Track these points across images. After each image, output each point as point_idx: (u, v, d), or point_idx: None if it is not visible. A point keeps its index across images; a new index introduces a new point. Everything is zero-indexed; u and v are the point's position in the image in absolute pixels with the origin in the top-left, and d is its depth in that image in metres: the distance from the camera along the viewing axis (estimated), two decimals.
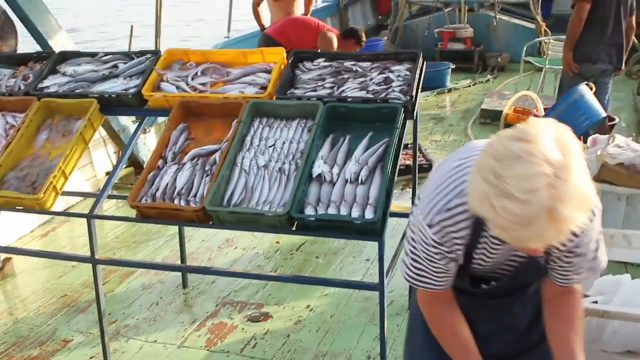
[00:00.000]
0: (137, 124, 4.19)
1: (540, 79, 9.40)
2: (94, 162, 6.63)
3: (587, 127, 5.53)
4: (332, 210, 3.16)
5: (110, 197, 5.05)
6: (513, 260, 2.04)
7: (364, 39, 7.01)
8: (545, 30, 11.28)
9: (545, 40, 10.52)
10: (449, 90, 10.17)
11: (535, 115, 6.57)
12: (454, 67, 10.39)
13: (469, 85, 10.43)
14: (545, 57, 9.68)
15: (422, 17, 12.36)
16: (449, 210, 1.88)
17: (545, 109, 6.95)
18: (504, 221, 1.57)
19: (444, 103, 9.59)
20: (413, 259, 2.04)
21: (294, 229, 3.24)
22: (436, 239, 1.93)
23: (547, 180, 1.51)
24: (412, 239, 2.02)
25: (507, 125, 7.60)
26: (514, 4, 12.12)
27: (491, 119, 8.21)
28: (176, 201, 3.39)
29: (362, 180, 3.24)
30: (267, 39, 6.85)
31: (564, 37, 9.58)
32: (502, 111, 7.79)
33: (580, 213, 1.55)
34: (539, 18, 11.53)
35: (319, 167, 3.32)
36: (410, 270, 2.06)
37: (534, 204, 1.52)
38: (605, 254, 2.02)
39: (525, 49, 9.63)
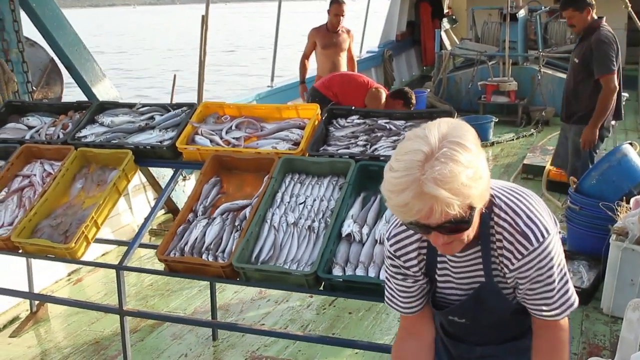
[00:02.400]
0: (173, 173, 4.22)
1: None
2: (132, 208, 6.69)
3: (630, 188, 5.38)
4: (360, 272, 3.12)
5: (143, 245, 5.05)
6: (478, 281, 2.07)
7: (413, 101, 6.89)
8: None
9: None
10: (492, 144, 10.08)
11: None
12: (497, 120, 10.30)
13: (512, 139, 10.32)
14: None
15: (465, 69, 12.33)
16: (403, 225, 2.02)
17: None
18: (385, 191, 1.74)
19: (486, 157, 9.49)
20: (385, 279, 2.21)
21: (321, 288, 3.20)
22: (392, 251, 2.11)
23: (422, 157, 1.68)
24: (384, 258, 2.20)
25: (550, 181, 7.49)
26: (559, 58, 12.01)
27: (534, 174, 8.07)
28: (204, 256, 3.38)
29: None
30: (315, 93, 6.86)
31: None
32: (544, 167, 7.68)
33: (447, 193, 1.66)
34: None
35: (349, 226, 3.29)
36: (386, 290, 2.22)
37: (405, 174, 1.68)
38: (574, 293, 2.04)
39: None
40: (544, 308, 2.01)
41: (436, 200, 1.67)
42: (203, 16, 7.13)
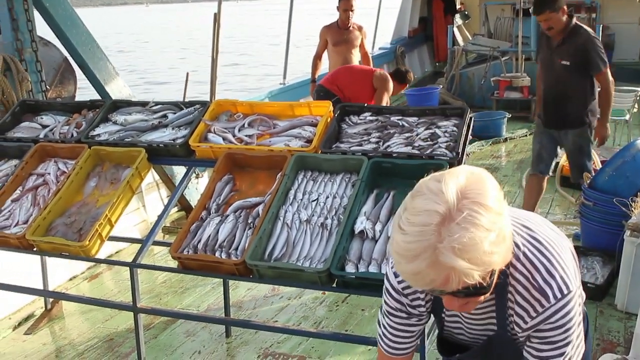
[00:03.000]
0: (186, 171, 4.24)
1: None
2: (146, 206, 6.71)
3: None
4: (373, 269, 3.12)
5: (157, 243, 5.08)
6: (490, 329, 1.94)
7: (409, 77, 7.31)
8: None
9: None
10: (505, 140, 10.04)
11: (592, 169, 6.40)
12: (510, 116, 10.26)
13: (525, 135, 10.26)
14: None
15: (478, 65, 12.30)
16: None
17: (602, 162, 6.79)
18: (394, 253, 1.56)
19: (499, 153, 9.47)
20: (381, 314, 2.07)
21: (334, 285, 3.20)
22: (400, 288, 1.95)
23: (438, 219, 1.49)
24: (383, 292, 2.04)
25: (564, 177, 7.45)
26: None
27: None
28: (217, 254, 3.39)
29: None
30: (319, 89, 6.96)
31: (625, 87, 9.48)
32: (558, 163, 7.64)
33: (467, 263, 1.48)
34: None
35: (362, 223, 3.29)
36: (378, 327, 2.09)
37: (418, 239, 1.50)
38: (581, 353, 1.85)
39: None
40: None
41: (453, 270, 1.49)
42: (215, 14, 7.15)
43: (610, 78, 5.67)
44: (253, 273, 3.29)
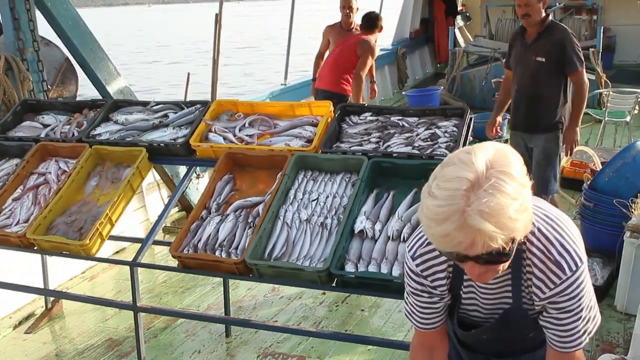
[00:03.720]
0: (187, 171, 4.25)
1: (600, 131, 9.20)
2: (147, 206, 6.72)
3: None
4: (372, 268, 3.13)
5: (157, 242, 5.08)
6: (505, 303, 2.03)
7: (379, 23, 7.33)
8: (605, 82, 11.08)
9: (606, 92, 10.34)
10: (506, 141, 10.02)
11: (592, 170, 6.41)
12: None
13: None
14: (604, 109, 9.49)
15: (479, 66, 12.29)
16: (430, 244, 1.94)
17: (602, 164, 6.80)
18: (424, 218, 1.66)
19: None
20: (406, 293, 2.14)
21: (333, 285, 3.21)
22: (418, 271, 2.03)
23: (467, 185, 1.59)
24: (405, 275, 2.12)
25: (565, 179, 7.46)
26: None
27: None
28: (217, 253, 3.40)
29: (404, 238, 3.19)
30: (318, 94, 7.12)
31: (626, 88, 9.48)
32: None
33: (493, 227, 1.58)
34: (599, 69, 11.34)
35: (361, 222, 3.30)
36: (406, 305, 2.17)
37: (448, 203, 1.60)
38: (598, 314, 2.03)
39: None
40: (568, 339, 1.96)
41: (480, 233, 1.59)
42: (217, 14, 7.16)
43: (586, 80, 5.34)
44: (253, 272, 3.30)
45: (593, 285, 4.78)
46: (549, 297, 1.89)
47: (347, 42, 7.23)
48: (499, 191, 1.59)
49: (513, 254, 1.72)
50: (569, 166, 7.47)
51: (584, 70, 5.32)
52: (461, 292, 2.06)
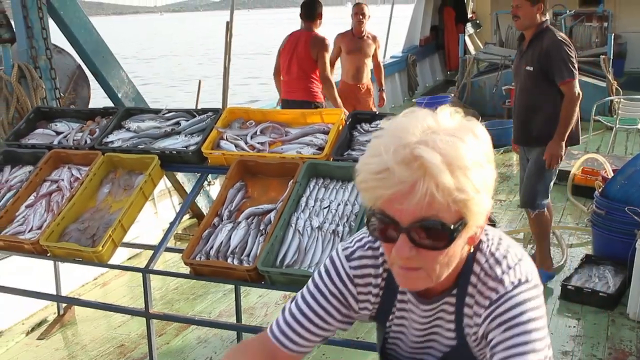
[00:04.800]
0: (198, 178, 4.26)
1: (611, 139, 9.19)
2: (158, 213, 6.74)
3: None
4: None
5: (169, 249, 5.10)
6: (440, 342, 1.68)
7: (317, 10, 7.18)
8: (616, 89, 11.07)
9: (617, 100, 10.32)
10: None
11: (604, 178, 6.39)
12: None
13: None
14: (615, 116, 9.47)
15: (489, 74, 12.30)
16: (373, 248, 1.68)
17: (614, 171, 6.79)
18: (363, 158, 1.39)
19: (510, 162, 9.45)
20: (302, 295, 1.75)
21: None
22: (350, 274, 1.69)
23: (425, 126, 1.36)
24: (313, 278, 1.75)
25: (575, 186, 7.44)
26: (585, 62, 11.94)
27: (558, 179, 7.89)
28: (229, 260, 3.41)
29: None
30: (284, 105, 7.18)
31: (637, 95, 9.46)
32: (570, 171, 7.63)
33: (443, 167, 1.29)
34: (610, 76, 11.32)
35: None
36: (293, 306, 1.75)
37: (397, 135, 1.35)
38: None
39: (595, 107, 9.43)
40: None
41: (425, 172, 1.29)
42: (228, 22, 7.19)
43: (576, 91, 4.92)
44: (265, 279, 3.31)
45: (605, 293, 4.79)
46: (484, 320, 1.52)
47: (298, 47, 7.15)
48: (459, 138, 1.34)
49: (455, 245, 1.41)
50: (581, 173, 7.46)
51: (575, 80, 4.94)
52: (388, 322, 1.73)
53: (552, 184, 5.26)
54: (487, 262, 1.54)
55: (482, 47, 14.33)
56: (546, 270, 5.25)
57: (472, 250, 1.53)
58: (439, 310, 1.62)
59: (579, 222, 6.77)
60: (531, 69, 5.05)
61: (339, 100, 7.12)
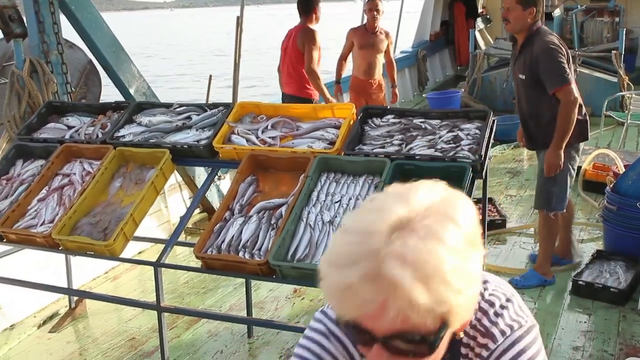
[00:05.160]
0: (209, 173, 4.28)
1: (622, 134, 9.14)
2: (169, 207, 6.76)
3: None
4: None
5: (180, 244, 5.12)
6: None
7: (314, 5, 7.23)
8: (628, 84, 11.01)
9: (628, 95, 10.26)
10: None
11: (615, 173, 6.37)
12: None
13: None
14: (627, 111, 9.42)
15: (500, 69, 12.25)
16: None
17: (625, 167, 6.76)
18: (323, 262, 1.17)
19: (521, 157, 9.42)
20: None
21: None
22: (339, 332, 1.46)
23: (394, 220, 1.13)
24: (308, 342, 1.50)
25: (586, 182, 7.42)
26: (596, 57, 11.90)
27: None
28: (241, 254, 3.42)
29: None
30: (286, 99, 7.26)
31: None
32: (580, 167, 7.60)
33: (417, 284, 1.07)
34: (621, 71, 11.26)
35: None
36: None
37: (362, 240, 1.12)
38: None
39: (606, 103, 9.39)
40: None
41: (396, 290, 1.07)
42: (238, 17, 7.20)
43: (574, 96, 4.71)
44: (276, 273, 3.32)
45: (616, 288, 4.78)
46: None
47: (290, 42, 7.25)
48: (436, 238, 1.11)
49: (440, 347, 1.20)
50: (591, 169, 7.43)
51: (571, 86, 4.72)
52: None
53: (569, 184, 5.11)
54: (475, 319, 1.38)
55: (492, 42, 14.28)
56: (541, 274, 5.19)
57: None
58: None
59: (589, 218, 6.75)
60: (523, 77, 4.94)
61: (327, 92, 7.16)
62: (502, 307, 1.38)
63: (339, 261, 1.13)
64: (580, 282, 4.98)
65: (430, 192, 1.20)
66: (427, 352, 1.17)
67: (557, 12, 12.04)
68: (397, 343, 1.13)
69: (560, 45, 4.80)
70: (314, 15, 7.25)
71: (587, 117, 5.05)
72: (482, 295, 1.39)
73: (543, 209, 5.15)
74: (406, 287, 1.07)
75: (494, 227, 6.34)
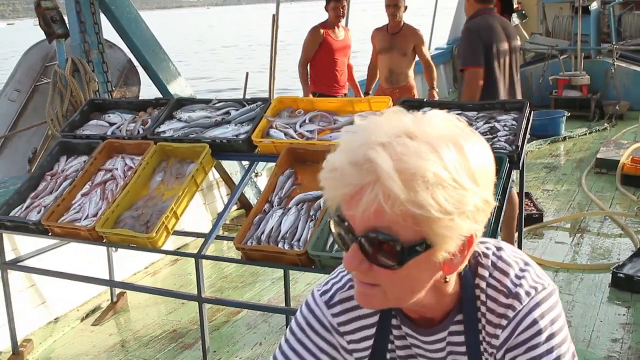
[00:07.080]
0: (247, 168, 4.33)
1: None
2: (206, 204, 6.85)
3: None
4: None
5: (219, 237, 5.19)
6: None
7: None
8: None
9: None
10: (564, 139, 9.93)
11: None
12: (569, 115, 10.16)
13: (585, 134, 10.15)
14: None
15: (536, 64, 12.18)
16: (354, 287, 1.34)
17: None
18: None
19: (557, 151, 9.37)
20: (284, 349, 1.50)
21: None
22: (335, 323, 1.45)
23: (398, 128, 1.16)
24: (293, 332, 1.50)
25: (624, 176, 7.36)
26: (633, 50, 11.75)
27: (607, 169, 7.92)
28: (280, 245, 3.47)
29: None
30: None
31: None
32: (619, 161, 7.55)
33: (395, 174, 1.09)
34: None
35: None
36: None
37: (357, 134, 1.17)
38: None
39: None
40: None
41: (375, 175, 1.10)
42: (274, 15, 7.26)
43: (474, 80, 5.07)
44: (315, 264, 3.36)
45: None
46: (504, 342, 1.35)
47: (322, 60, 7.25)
48: (434, 150, 1.12)
49: (418, 267, 1.19)
50: (630, 162, 7.37)
51: (476, 70, 5.16)
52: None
53: None
54: (491, 275, 1.37)
55: (528, 37, 14.18)
56: None
57: (469, 267, 1.35)
58: (447, 342, 1.41)
59: (629, 211, 6.69)
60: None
61: (304, 89, 7.19)
62: (522, 270, 1.37)
63: (337, 149, 1.19)
64: (620, 275, 4.95)
65: (449, 122, 1.21)
66: (395, 263, 1.17)
67: (594, 6, 11.90)
68: (370, 240, 1.15)
69: (480, 29, 5.39)
70: (328, 12, 7.18)
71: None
72: (498, 256, 1.39)
73: None
74: (384, 174, 1.09)
75: (532, 221, 6.33)
